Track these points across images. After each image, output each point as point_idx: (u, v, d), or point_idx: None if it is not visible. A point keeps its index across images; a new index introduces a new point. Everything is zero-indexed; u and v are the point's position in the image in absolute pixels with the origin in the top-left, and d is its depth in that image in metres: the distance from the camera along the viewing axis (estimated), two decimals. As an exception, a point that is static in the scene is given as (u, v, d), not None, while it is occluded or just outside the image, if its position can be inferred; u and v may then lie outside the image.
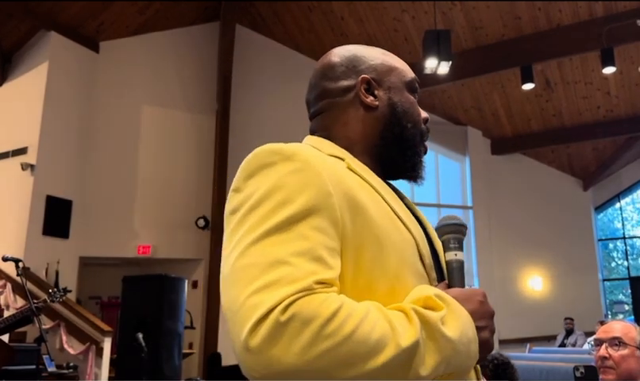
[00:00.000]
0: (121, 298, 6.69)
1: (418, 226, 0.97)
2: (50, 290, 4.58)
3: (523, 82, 9.08)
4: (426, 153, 1.08)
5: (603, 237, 13.20)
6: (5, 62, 9.03)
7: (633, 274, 13.03)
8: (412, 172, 1.05)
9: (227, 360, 8.57)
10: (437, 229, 1.00)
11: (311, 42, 10.41)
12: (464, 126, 11.43)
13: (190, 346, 8.81)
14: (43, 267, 7.89)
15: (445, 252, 0.97)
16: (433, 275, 0.93)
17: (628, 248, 13.26)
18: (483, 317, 0.86)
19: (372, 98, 1.03)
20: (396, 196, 0.98)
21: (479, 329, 0.84)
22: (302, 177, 0.82)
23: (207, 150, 9.58)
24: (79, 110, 8.89)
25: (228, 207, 0.87)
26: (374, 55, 1.09)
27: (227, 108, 9.55)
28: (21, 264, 4.02)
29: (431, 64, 7.55)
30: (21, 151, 8.36)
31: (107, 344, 6.75)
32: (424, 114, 1.09)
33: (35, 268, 7.55)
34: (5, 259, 4.11)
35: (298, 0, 9.63)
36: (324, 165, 0.87)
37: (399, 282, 0.86)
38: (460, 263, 0.94)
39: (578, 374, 1.84)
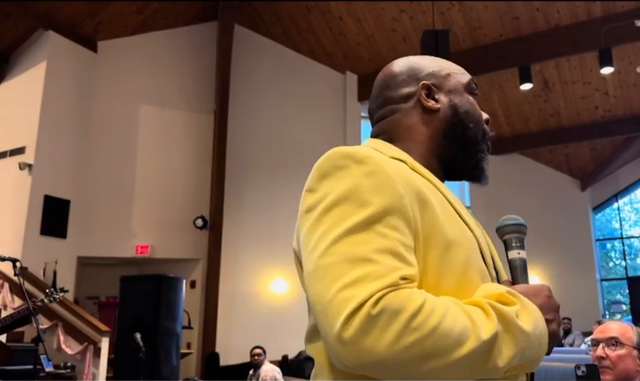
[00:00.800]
0: (118, 298, 6.68)
1: (478, 227, 1.02)
2: (47, 290, 4.57)
3: (521, 83, 9.08)
4: (489, 152, 1.12)
5: (601, 237, 13.21)
6: (3, 61, 9.02)
7: (630, 274, 13.03)
8: (475, 171, 1.10)
9: (225, 360, 8.57)
10: (498, 229, 1.04)
11: (309, 42, 10.42)
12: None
13: (189, 346, 8.80)
14: (40, 267, 7.88)
15: (507, 250, 1.01)
16: (494, 273, 0.98)
17: (626, 248, 13.27)
18: (550, 310, 0.92)
19: (433, 101, 1.09)
20: (457, 197, 1.03)
21: (548, 322, 0.89)
22: (376, 180, 0.87)
23: (205, 149, 9.57)
24: (77, 110, 8.87)
25: (302, 206, 0.92)
26: (431, 64, 1.15)
27: (225, 107, 9.54)
28: (18, 264, 4.01)
29: (429, 64, 7.53)
30: (19, 150, 8.36)
31: (105, 344, 6.74)
32: (485, 115, 1.14)
33: (32, 268, 7.54)
34: (2, 259, 4.10)
35: (297, 0, 9.62)
36: (393, 168, 0.91)
37: (466, 280, 0.90)
38: (523, 261, 0.99)
39: (580, 373, 1.84)
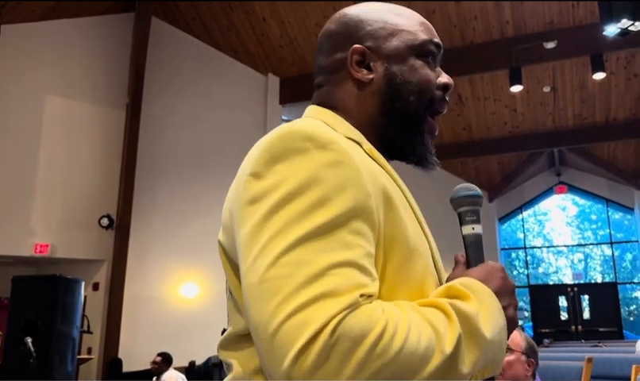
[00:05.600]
0: (9, 300, 6.24)
1: (425, 223, 0.90)
2: None
3: (437, 96, 9.35)
4: (434, 132, 0.95)
5: (506, 246, 13.91)
6: None
7: (532, 282, 13.81)
8: (413, 157, 0.94)
9: (129, 366, 8.22)
10: (452, 200, 0.91)
11: (231, 41, 10.25)
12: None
13: (89, 351, 8.38)
14: None
15: (461, 225, 0.89)
16: (442, 275, 0.88)
17: (529, 257, 14.04)
18: (505, 294, 0.81)
19: (365, 71, 0.91)
20: (406, 188, 0.90)
21: (504, 308, 0.79)
22: (342, 172, 0.72)
23: (115, 145, 9.15)
24: (-27, 96, 8.24)
25: (244, 195, 0.74)
26: (375, 17, 0.94)
27: (138, 102, 9.18)
28: None
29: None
30: None
31: (-6, 349, 6.26)
32: (443, 79, 0.95)
33: None
34: None
35: None
36: (358, 156, 0.77)
37: (421, 290, 0.80)
38: (478, 237, 0.89)
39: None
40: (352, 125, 0.89)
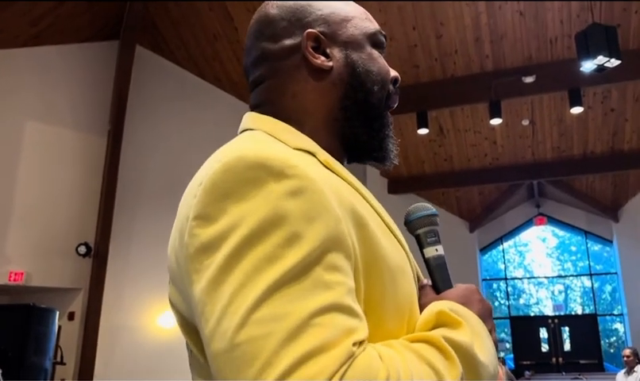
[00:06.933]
0: (-19, 330, 6.08)
1: (399, 233, 0.82)
2: None
3: (419, 127, 9.46)
4: (391, 126, 0.90)
5: (488, 277, 13.93)
6: None
7: (513, 313, 13.82)
8: (379, 152, 0.86)
9: (103, 398, 8.01)
10: (408, 223, 0.85)
11: (216, 70, 10.30)
12: (363, 165, 11.72)
13: (62, 383, 8.15)
14: None
15: (422, 248, 0.84)
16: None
17: (510, 288, 14.08)
18: (487, 317, 0.76)
19: (323, 58, 0.83)
20: (378, 202, 0.81)
21: (489, 331, 0.75)
22: (306, 201, 0.63)
23: (95, 172, 9.06)
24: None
25: (192, 243, 0.64)
26: (323, 4, 0.86)
27: (120, 130, 9.13)
28: None
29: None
30: None
31: (-38, 381, 6.07)
32: (393, 73, 0.89)
33: None
34: None
35: (206, 8, 9.43)
36: (320, 176, 0.68)
37: (411, 313, 0.74)
38: (442, 259, 0.83)
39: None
40: (307, 127, 0.81)
